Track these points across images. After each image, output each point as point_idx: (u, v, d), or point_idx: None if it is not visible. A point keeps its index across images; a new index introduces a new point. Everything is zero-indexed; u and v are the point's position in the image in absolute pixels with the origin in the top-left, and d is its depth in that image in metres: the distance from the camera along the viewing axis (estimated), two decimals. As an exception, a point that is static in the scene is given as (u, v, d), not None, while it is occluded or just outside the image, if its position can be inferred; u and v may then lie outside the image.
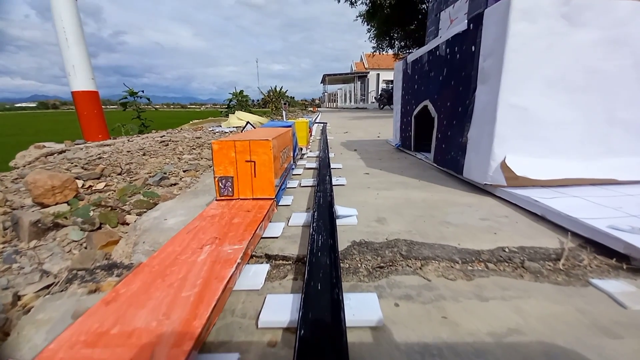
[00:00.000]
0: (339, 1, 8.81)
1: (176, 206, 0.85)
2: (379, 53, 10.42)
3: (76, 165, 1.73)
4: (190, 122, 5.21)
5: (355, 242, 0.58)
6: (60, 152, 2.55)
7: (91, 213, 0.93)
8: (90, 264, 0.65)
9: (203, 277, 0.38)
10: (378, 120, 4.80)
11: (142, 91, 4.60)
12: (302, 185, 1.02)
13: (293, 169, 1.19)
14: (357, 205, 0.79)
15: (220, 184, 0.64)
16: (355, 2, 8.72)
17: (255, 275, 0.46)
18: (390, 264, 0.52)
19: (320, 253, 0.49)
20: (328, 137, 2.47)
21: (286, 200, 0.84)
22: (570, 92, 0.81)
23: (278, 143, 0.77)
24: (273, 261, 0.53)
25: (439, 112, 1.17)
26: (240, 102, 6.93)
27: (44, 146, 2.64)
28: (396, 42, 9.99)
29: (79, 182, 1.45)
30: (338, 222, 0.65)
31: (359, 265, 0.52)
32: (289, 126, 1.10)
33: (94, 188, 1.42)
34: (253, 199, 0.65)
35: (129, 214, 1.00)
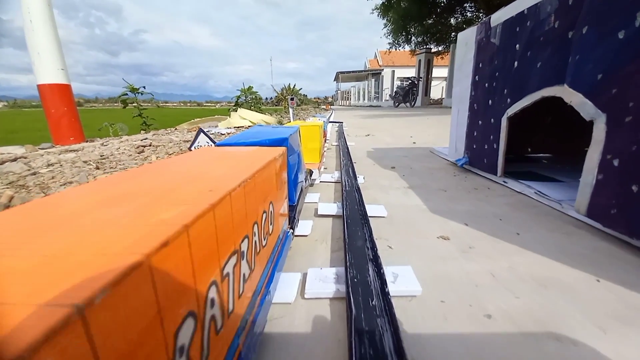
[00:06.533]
0: None
1: None
2: (395, 49, 9.82)
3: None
4: (191, 120, 4.69)
5: None
6: (14, 160, 2.03)
7: None
8: None
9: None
10: (399, 120, 4.12)
11: (144, 87, 4.09)
12: (307, 295, 0.40)
13: (293, 229, 0.58)
14: None
15: None
16: None
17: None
18: None
19: None
20: (348, 143, 1.84)
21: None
22: None
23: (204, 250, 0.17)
24: None
25: (615, 109, 0.54)
26: (251, 99, 6.27)
27: (-4, 152, 2.14)
28: (413, 37, 9.38)
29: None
30: None
31: None
32: (282, 142, 0.49)
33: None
34: None
35: None
